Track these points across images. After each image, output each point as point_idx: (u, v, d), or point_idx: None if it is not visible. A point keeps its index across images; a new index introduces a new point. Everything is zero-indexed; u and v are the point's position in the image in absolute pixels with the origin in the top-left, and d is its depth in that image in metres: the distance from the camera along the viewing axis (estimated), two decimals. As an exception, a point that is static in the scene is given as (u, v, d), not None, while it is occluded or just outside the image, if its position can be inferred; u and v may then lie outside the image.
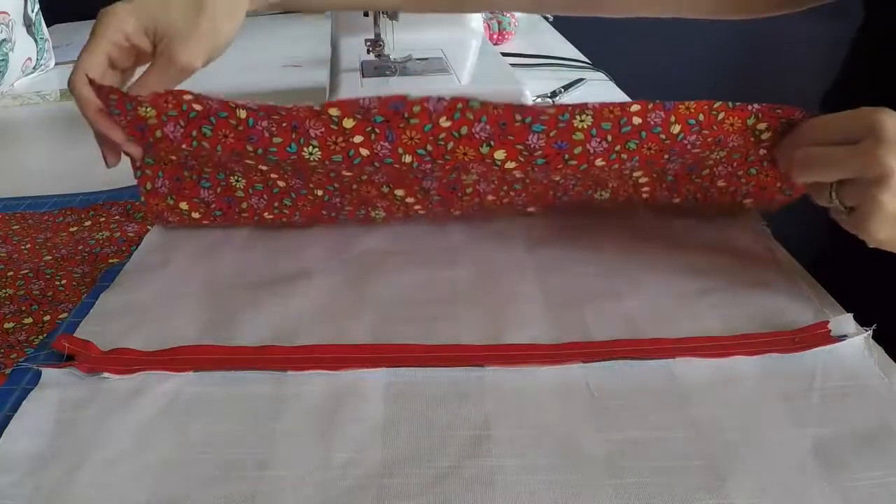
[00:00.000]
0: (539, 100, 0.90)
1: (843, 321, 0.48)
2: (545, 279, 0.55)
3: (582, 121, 0.49)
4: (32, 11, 1.19)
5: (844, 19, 0.67)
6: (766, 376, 0.45)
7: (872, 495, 0.37)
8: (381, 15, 0.77)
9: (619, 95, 0.99)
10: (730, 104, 0.49)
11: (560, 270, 0.56)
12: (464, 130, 0.49)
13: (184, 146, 0.53)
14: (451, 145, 0.50)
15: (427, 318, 0.51)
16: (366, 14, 0.78)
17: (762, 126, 0.50)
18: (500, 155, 0.50)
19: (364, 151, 0.51)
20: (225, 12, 0.53)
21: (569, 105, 0.49)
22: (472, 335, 0.50)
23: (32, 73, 1.20)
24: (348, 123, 0.49)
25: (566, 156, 0.50)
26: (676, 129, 0.49)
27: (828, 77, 0.68)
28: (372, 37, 0.79)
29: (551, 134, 0.49)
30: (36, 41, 1.19)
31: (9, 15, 1.11)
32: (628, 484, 0.38)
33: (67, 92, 1.10)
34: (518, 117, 0.49)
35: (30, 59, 1.18)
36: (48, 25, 1.24)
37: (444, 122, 0.49)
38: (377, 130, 0.50)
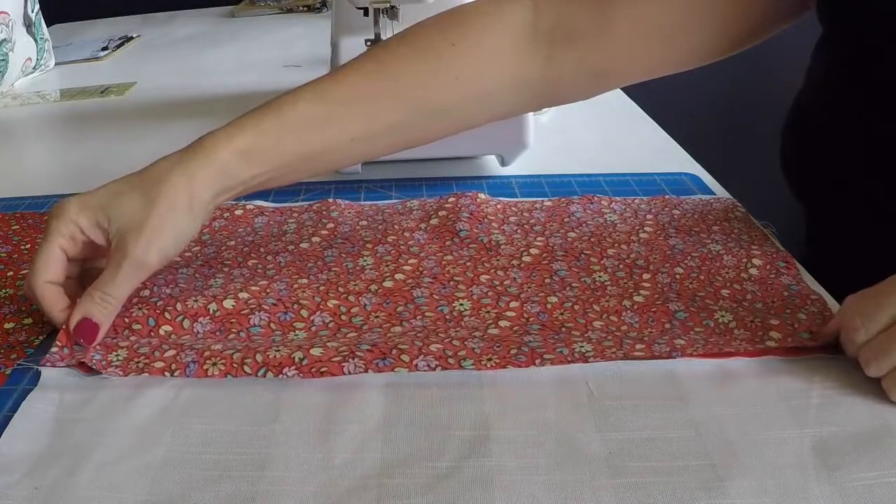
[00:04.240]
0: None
1: None
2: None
3: (582, 346, 0.47)
4: (32, 11, 1.19)
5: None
6: (766, 376, 0.45)
7: (872, 495, 0.37)
8: (382, 14, 0.77)
9: (617, 94, 0.99)
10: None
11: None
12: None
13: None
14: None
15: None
16: (366, 14, 0.78)
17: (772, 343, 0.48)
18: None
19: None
20: (182, 207, 0.50)
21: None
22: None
23: (32, 73, 1.20)
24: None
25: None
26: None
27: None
28: (372, 37, 0.79)
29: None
30: (36, 41, 1.19)
31: (9, 15, 1.11)
32: (628, 484, 0.38)
33: (68, 92, 1.11)
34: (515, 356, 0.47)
35: (30, 59, 1.18)
36: (48, 25, 1.24)
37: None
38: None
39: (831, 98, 0.60)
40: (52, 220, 0.50)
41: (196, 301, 0.52)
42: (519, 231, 0.63)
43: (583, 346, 0.47)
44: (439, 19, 0.58)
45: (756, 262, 0.56)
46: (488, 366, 0.46)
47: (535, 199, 0.68)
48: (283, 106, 0.54)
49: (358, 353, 0.46)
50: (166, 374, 0.46)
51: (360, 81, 0.55)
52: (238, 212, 0.67)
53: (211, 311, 0.52)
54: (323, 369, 0.46)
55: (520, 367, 0.45)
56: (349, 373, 0.45)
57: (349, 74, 0.56)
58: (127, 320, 0.51)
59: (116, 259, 0.49)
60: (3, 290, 0.57)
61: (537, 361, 0.46)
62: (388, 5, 0.76)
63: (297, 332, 0.51)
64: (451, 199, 0.67)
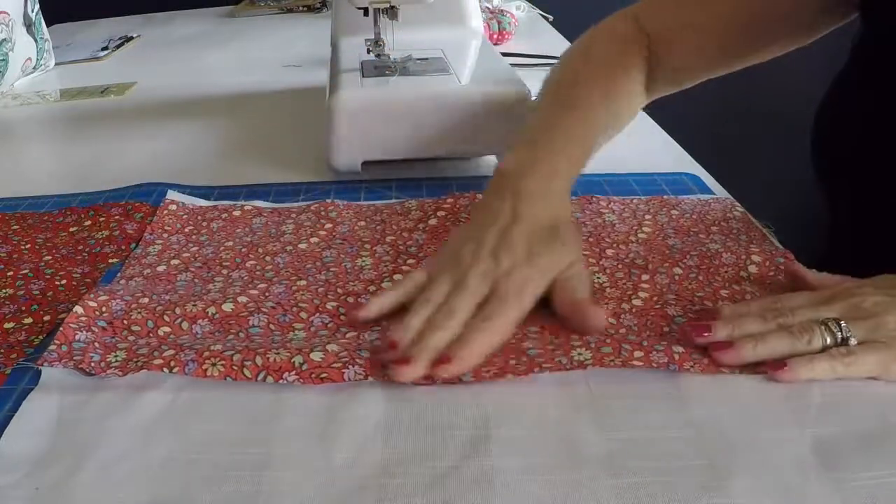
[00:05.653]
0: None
1: None
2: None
3: (580, 354, 0.46)
4: (32, 11, 1.19)
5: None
6: (766, 376, 0.45)
7: (872, 495, 0.37)
8: (381, 14, 0.77)
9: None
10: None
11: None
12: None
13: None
14: None
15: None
16: (366, 14, 0.78)
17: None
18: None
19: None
20: (571, 237, 0.55)
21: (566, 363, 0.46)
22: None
23: (32, 73, 1.20)
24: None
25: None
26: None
27: (827, 74, 0.68)
28: (372, 37, 0.79)
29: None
30: (36, 41, 1.19)
31: (9, 15, 1.11)
32: (628, 484, 0.38)
33: (68, 92, 1.11)
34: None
35: (30, 59, 1.18)
36: (48, 25, 1.24)
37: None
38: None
39: (873, 101, 0.60)
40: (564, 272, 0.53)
41: (195, 305, 0.52)
42: None
43: (581, 354, 0.47)
44: (594, 71, 0.66)
45: (755, 258, 0.56)
46: (486, 376, 0.46)
47: None
48: (585, 130, 0.62)
49: (358, 361, 0.46)
50: (164, 370, 0.46)
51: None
52: (236, 213, 0.67)
53: (210, 314, 0.52)
54: (323, 375, 0.45)
55: (518, 375, 0.45)
56: (349, 379, 0.45)
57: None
58: (126, 322, 0.51)
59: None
60: (3, 290, 0.57)
61: (535, 370, 0.46)
62: (387, 5, 0.76)
63: (296, 331, 0.51)
64: (449, 200, 0.67)
